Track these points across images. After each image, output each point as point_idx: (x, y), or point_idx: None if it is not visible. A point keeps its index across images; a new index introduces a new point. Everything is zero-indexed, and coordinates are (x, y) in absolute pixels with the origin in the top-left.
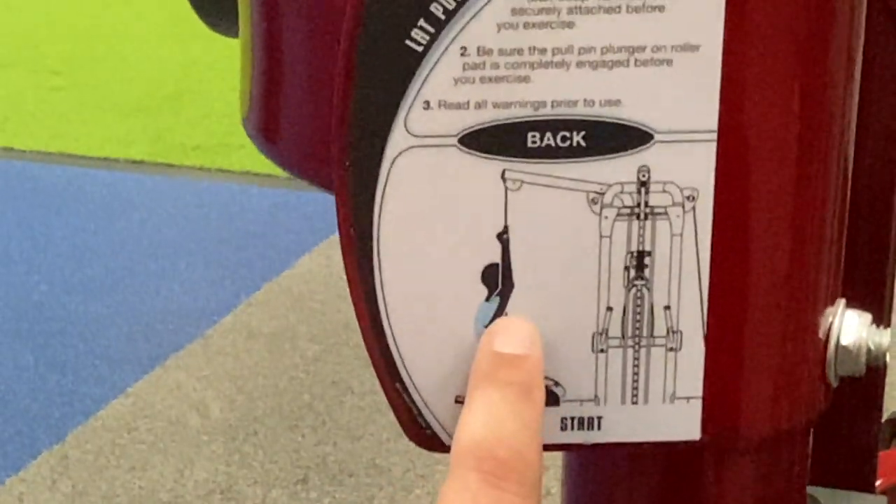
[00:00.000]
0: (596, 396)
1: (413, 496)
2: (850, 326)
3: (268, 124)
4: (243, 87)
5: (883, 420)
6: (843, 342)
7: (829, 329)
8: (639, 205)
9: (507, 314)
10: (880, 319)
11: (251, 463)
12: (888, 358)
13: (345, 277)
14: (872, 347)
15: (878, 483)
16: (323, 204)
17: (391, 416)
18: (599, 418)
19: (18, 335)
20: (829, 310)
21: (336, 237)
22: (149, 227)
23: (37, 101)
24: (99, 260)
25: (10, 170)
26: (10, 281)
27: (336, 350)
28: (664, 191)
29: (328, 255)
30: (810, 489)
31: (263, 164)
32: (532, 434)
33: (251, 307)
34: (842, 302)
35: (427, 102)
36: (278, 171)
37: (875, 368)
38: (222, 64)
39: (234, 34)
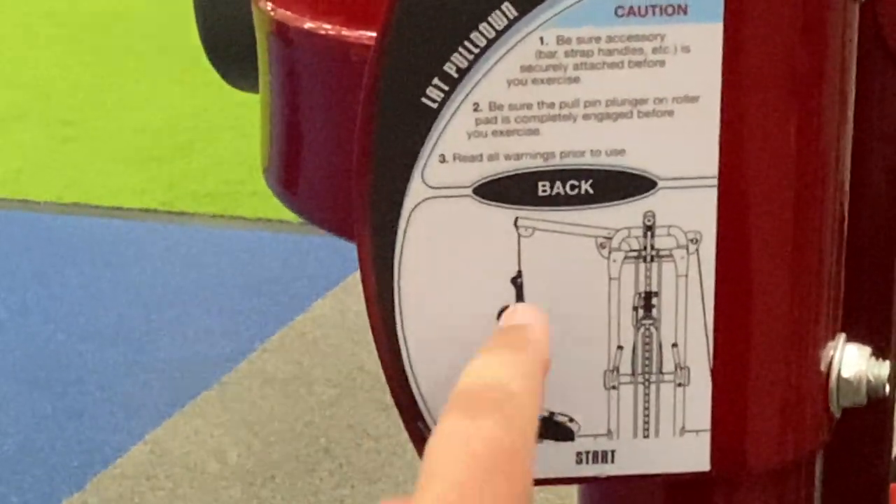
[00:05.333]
0: (609, 431)
1: None
2: (850, 359)
3: (289, 177)
4: (263, 140)
5: None
6: (844, 374)
7: (831, 362)
8: (645, 248)
9: None
10: (885, 353)
11: None
12: (888, 389)
13: (358, 321)
14: (872, 379)
15: None
16: (335, 249)
17: (408, 457)
18: (613, 452)
19: (37, 385)
20: (830, 343)
21: (349, 281)
22: (163, 275)
23: (49, 152)
24: (114, 308)
25: (25, 221)
26: (28, 331)
27: (351, 393)
28: (669, 234)
29: (341, 300)
30: None
31: (276, 211)
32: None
33: (266, 353)
34: (842, 336)
35: (442, 156)
36: (290, 217)
37: (883, 400)
38: (233, 111)
39: (255, 90)
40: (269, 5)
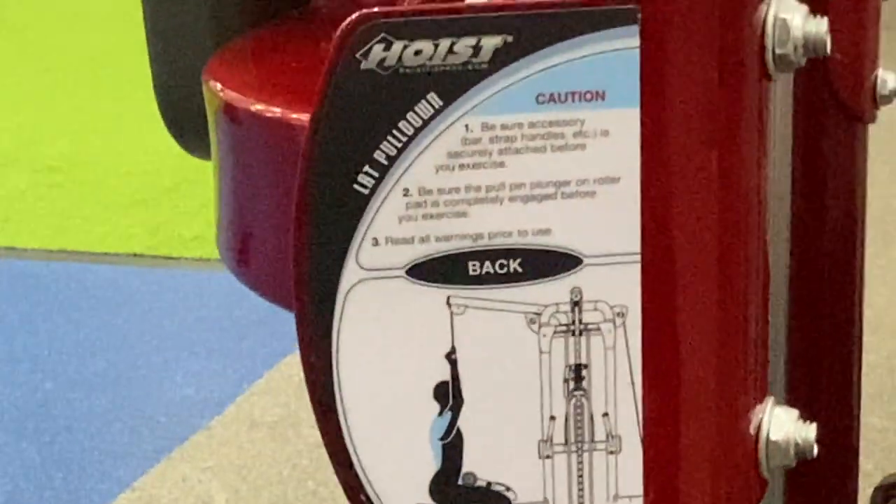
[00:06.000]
0: (545, 499)
1: None
2: (778, 422)
3: (236, 250)
4: (216, 210)
5: (876, 486)
6: (773, 437)
7: (759, 426)
8: (573, 322)
9: (458, 427)
10: (850, 409)
11: None
12: (816, 450)
13: None
14: (800, 441)
15: None
16: None
17: None
18: None
19: (24, 434)
20: (759, 407)
21: None
22: (150, 320)
23: (36, 198)
24: (102, 355)
25: (13, 269)
26: (15, 379)
27: None
28: (596, 309)
29: None
30: None
31: None
32: None
33: (253, 396)
34: (770, 399)
35: (375, 239)
36: None
37: (848, 434)
38: None
39: (209, 158)
40: (219, 86)
